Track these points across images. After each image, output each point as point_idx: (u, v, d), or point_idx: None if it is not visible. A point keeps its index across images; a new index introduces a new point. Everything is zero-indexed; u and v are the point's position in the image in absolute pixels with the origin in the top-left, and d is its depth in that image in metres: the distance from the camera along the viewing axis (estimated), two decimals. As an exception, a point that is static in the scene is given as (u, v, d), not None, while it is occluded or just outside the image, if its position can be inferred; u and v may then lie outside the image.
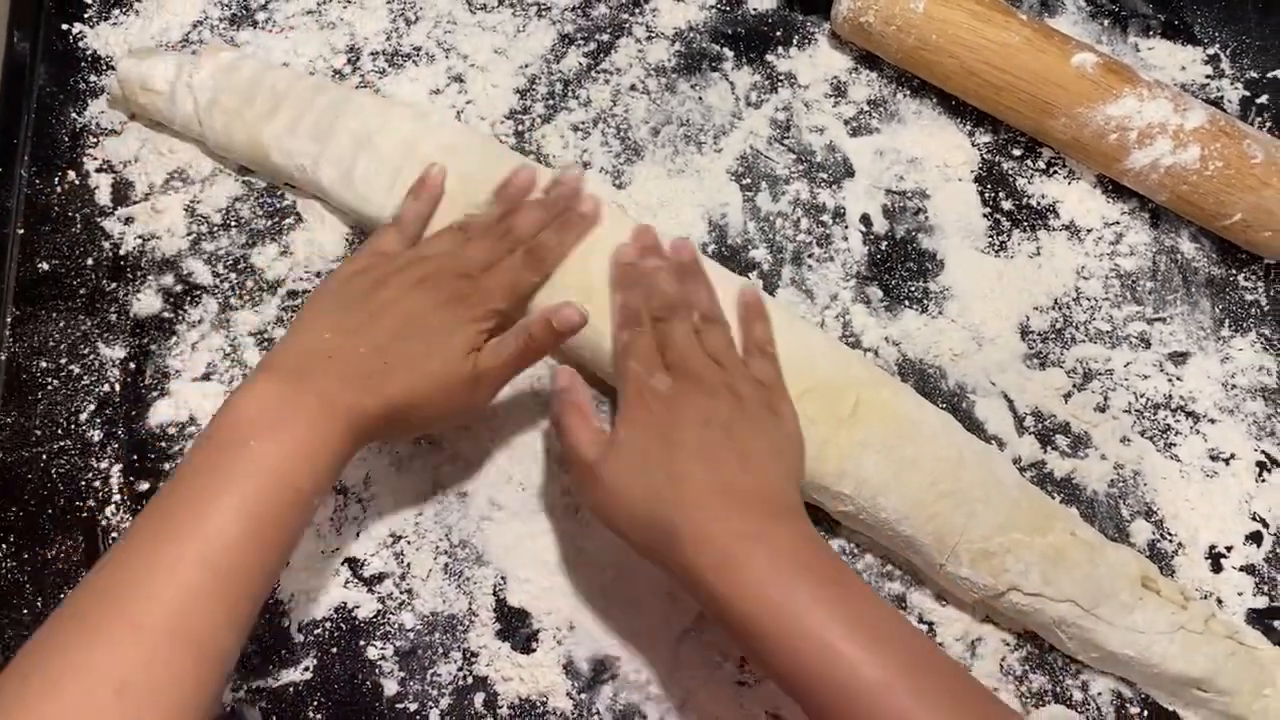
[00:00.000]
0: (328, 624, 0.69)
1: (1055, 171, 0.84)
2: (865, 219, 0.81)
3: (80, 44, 0.85)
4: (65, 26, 0.86)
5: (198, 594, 0.50)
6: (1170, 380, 0.78)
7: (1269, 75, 0.87)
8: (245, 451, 0.54)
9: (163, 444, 0.73)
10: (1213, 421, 0.77)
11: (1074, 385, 0.77)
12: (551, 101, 0.84)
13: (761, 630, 0.53)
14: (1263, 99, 0.87)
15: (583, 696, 0.68)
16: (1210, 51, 0.89)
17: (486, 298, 0.65)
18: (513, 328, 0.65)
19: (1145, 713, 0.69)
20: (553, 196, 0.72)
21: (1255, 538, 0.74)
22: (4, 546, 0.70)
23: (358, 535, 0.71)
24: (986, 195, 0.83)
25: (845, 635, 0.52)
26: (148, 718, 0.47)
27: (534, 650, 0.69)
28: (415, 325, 0.62)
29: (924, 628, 0.70)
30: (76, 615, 0.50)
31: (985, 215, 0.82)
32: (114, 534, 0.71)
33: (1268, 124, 0.86)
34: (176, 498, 0.53)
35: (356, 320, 0.62)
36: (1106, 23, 0.90)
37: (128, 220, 0.79)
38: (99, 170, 0.81)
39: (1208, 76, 0.88)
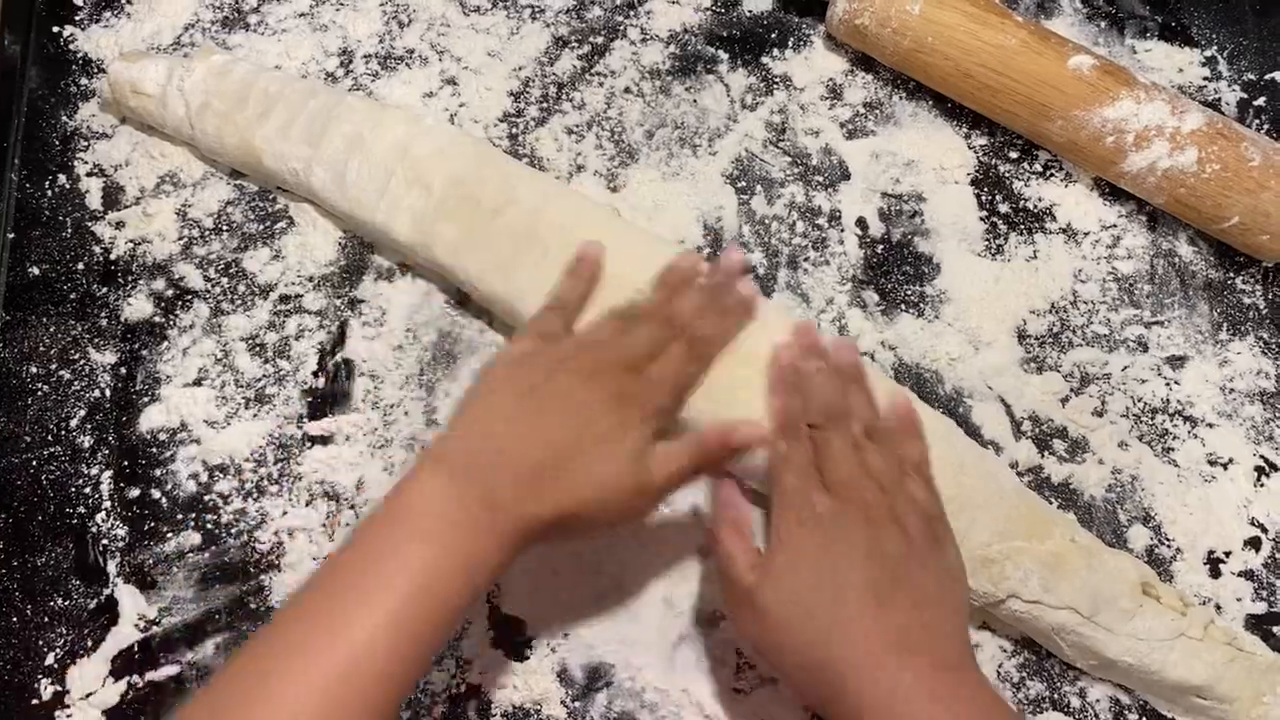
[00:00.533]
0: (320, 631, 0.68)
1: (1052, 174, 0.83)
2: (861, 222, 0.81)
3: (71, 47, 0.85)
4: (56, 29, 0.85)
5: (337, 708, 0.49)
6: (1168, 384, 0.77)
7: (1266, 77, 0.87)
8: (403, 556, 0.52)
9: (153, 450, 0.73)
10: (1211, 426, 0.76)
11: (1071, 389, 0.76)
12: (545, 104, 0.84)
13: None
14: (1260, 101, 0.86)
15: (577, 704, 0.67)
16: (1208, 53, 0.88)
17: (653, 393, 0.62)
18: (685, 439, 0.62)
19: (1143, 720, 0.69)
20: (712, 281, 0.69)
21: (1254, 543, 0.73)
22: (-7, 554, 0.70)
23: (350, 542, 0.70)
24: (983, 198, 0.82)
25: None
26: None
27: (528, 658, 0.68)
28: (587, 424, 0.59)
29: (921, 634, 0.70)
30: (216, 709, 0.50)
31: (982, 218, 0.82)
32: (104, 540, 0.70)
33: (1265, 126, 0.85)
34: (328, 594, 0.52)
35: (527, 413, 0.59)
36: (1103, 24, 0.89)
37: (119, 224, 0.79)
38: (90, 174, 0.80)
39: (1205, 78, 0.87)
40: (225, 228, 0.79)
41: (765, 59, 0.86)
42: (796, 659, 0.56)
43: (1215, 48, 0.88)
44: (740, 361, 0.67)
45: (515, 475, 0.56)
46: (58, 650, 0.68)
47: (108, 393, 0.74)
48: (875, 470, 0.62)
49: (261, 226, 0.79)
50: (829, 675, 0.55)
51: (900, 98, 0.85)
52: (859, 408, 0.65)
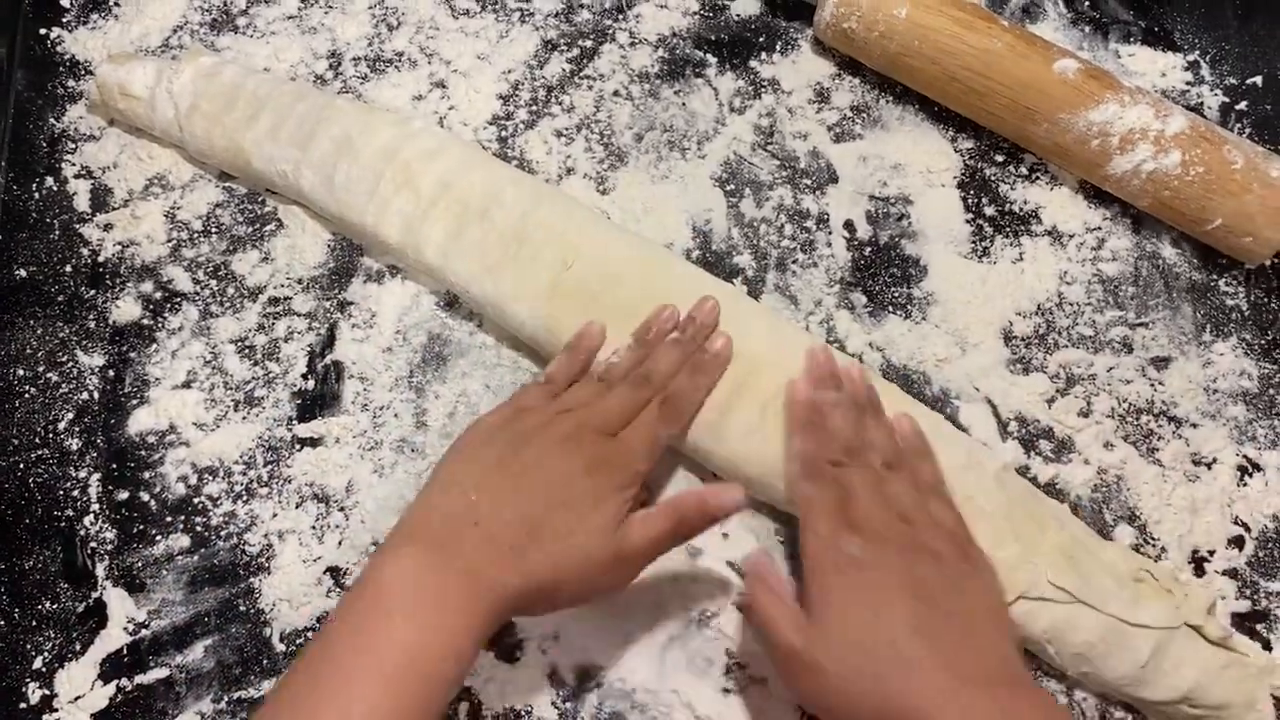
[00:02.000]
0: (310, 634, 0.68)
1: (1037, 177, 0.84)
2: (849, 225, 0.81)
3: (58, 48, 0.85)
4: (43, 31, 0.85)
5: None
6: (1152, 385, 0.78)
7: (1248, 81, 0.88)
8: (385, 634, 0.52)
9: (142, 452, 0.73)
10: (1195, 426, 0.77)
11: (1057, 390, 0.77)
12: (534, 107, 0.84)
13: None
14: (1242, 105, 0.87)
15: (568, 705, 0.67)
16: (1190, 58, 0.89)
17: (629, 459, 0.62)
18: (663, 504, 0.62)
19: (1130, 718, 0.69)
20: (688, 335, 0.69)
21: (1237, 542, 0.74)
22: (-20, 557, 0.70)
23: (340, 544, 0.70)
24: (969, 201, 0.83)
25: None
26: None
27: (518, 659, 0.68)
28: (562, 492, 0.59)
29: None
30: None
31: (968, 221, 0.82)
32: (93, 543, 0.70)
33: (1247, 130, 0.86)
34: (313, 679, 0.52)
35: (501, 482, 0.59)
36: (1087, 29, 0.90)
37: (107, 226, 0.79)
38: (77, 176, 0.80)
39: (1188, 83, 0.88)
40: (214, 230, 0.79)
41: (753, 62, 0.87)
42: (859, 709, 0.55)
43: (1198, 52, 0.89)
44: (751, 397, 0.68)
45: (491, 548, 0.56)
46: (46, 654, 0.68)
47: (96, 395, 0.74)
48: (898, 501, 0.62)
49: (250, 229, 0.79)
50: (895, 718, 0.54)
51: (887, 101, 0.86)
52: (877, 439, 0.65)
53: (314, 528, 0.71)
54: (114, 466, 0.72)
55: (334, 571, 0.70)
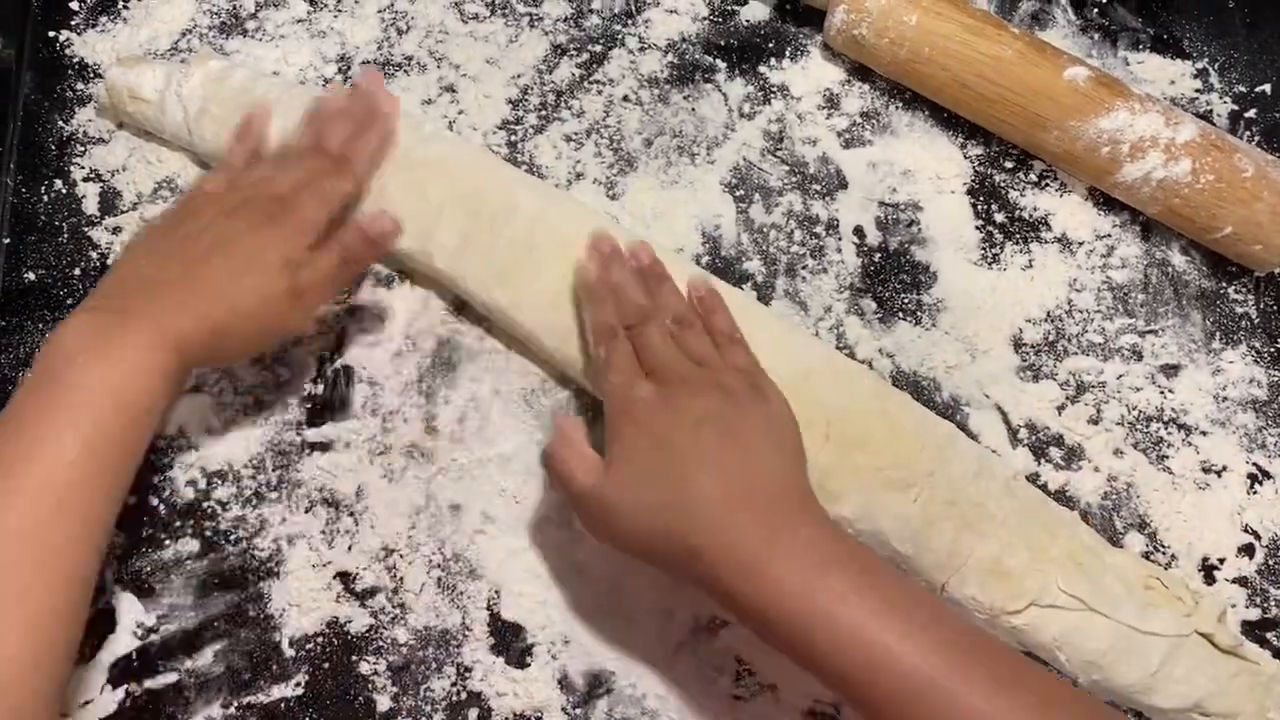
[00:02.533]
0: (319, 639, 0.68)
1: (1047, 184, 0.84)
2: (859, 231, 0.81)
3: (67, 51, 0.84)
4: (51, 34, 0.85)
5: (42, 517, 0.51)
6: (1162, 392, 0.78)
7: (1257, 89, 0.88)
8: (74, 378, 0.54)
9: (151, 456, 0.72)
10: (1204, 434, 0.77)
11: (1067, 398, 0.77)
12: (544, 112, 0.84)
13: (800, 633, 0.53)
14: (1251, 113, 0.87)
15: (578, 711, 0.67)
16: (1199, 65, 0.89)
17: (299, 210, 0.65)
18: (329, 241, 0.66)
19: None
20: (356, 105, 0.72)
21: (1247, 550, 0.74)
22: (-11, 561, 0.69)
23: (349, 549, 0.70)
24: (979, 207, 0.83)
25: (884, 626, 0.51)
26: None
27: (528, 665, 0.68)
28: (230, 246, 0.62)
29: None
30: None
31: (978, 228, 0.82)
32: (101, 548, 0.70)
33: (1256, 138, 0.86)
34: (10, 429, 0.54)
35: (171, 248, 0.63)
36: (1096, 36, 0.90)
37: (116, 230, 0.79)
38: (86, 179, 0.80)
39: (1197, 90, 0.88)
40: (223, 234, 0.79)
41: (763, 68, 0.87)
42: (647, 536, 0.57)
43: (1206, 60, 0.89)
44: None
45: (161, 301, 0.59)
46: (54, 658, 0.67)
47: (105, 399, 0.74)
48: (691, 350, 0.64)
49: (259, 232, 0.79)
50: (678, 542, 0.56)
51: (897, 108, 0.86)
52: (669, 301, 0.67)
53: (323, 532, 0.71)
54: (123, 470, 0.72)
55: (344, 576, 0.70)
